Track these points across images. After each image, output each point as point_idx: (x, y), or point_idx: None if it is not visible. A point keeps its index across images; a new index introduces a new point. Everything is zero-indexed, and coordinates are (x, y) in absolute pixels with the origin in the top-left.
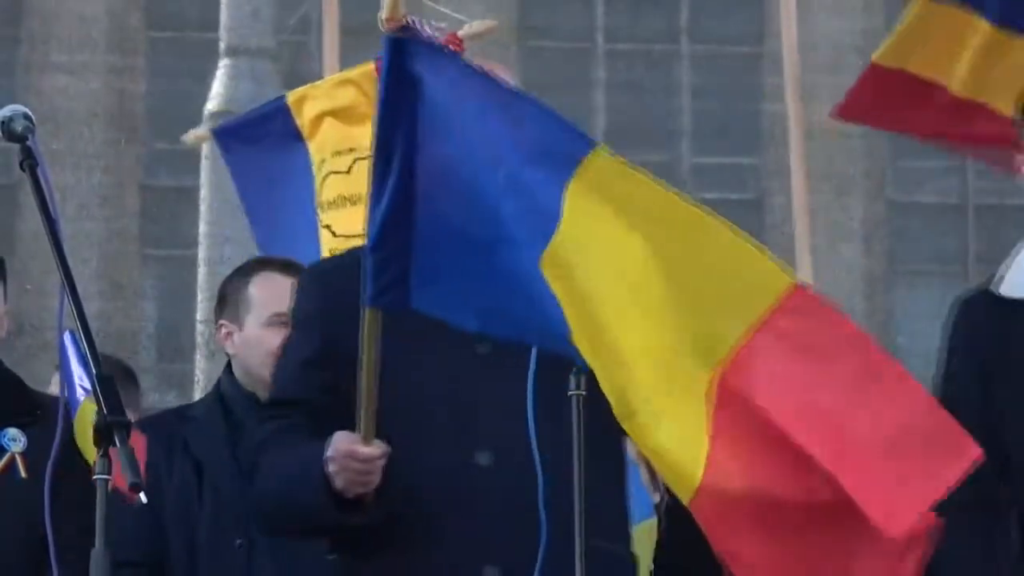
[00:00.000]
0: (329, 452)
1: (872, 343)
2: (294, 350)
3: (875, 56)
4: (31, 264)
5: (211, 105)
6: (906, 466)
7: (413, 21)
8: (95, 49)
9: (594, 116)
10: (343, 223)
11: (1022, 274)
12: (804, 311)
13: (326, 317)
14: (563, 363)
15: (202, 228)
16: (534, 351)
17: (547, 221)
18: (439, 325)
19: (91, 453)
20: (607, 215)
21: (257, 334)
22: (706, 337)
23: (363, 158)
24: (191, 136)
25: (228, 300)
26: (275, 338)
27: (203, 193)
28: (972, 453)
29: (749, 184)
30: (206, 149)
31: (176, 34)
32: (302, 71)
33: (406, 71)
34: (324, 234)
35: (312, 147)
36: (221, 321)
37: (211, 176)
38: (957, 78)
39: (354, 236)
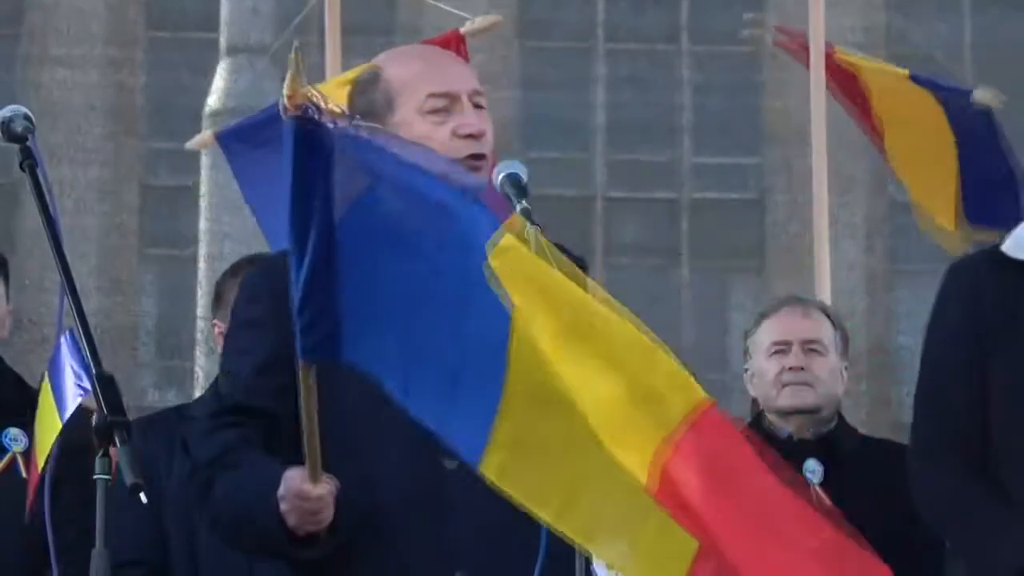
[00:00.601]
0: (280, 491)
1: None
2: (244, 354)
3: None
4: (29, 260)
5: (211, 100)
6: None
7: (314, 97)
8: (94, 43)
9: (594, 113)
10: None
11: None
12: (712, 431)
13: (276, 318)
14: None
15: (202, 224)
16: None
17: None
18: None
19: (46, 441)
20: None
21: None
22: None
23: None
24: (195, 142)
25: (222, 299)
26: None
27: (203, 189)
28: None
29: (751, 183)
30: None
31: (175, 32)
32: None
33: (313, 146)
34: None
35: None
36: (215, 320)
37: (211, 172)
38: (897, 151)
39: None
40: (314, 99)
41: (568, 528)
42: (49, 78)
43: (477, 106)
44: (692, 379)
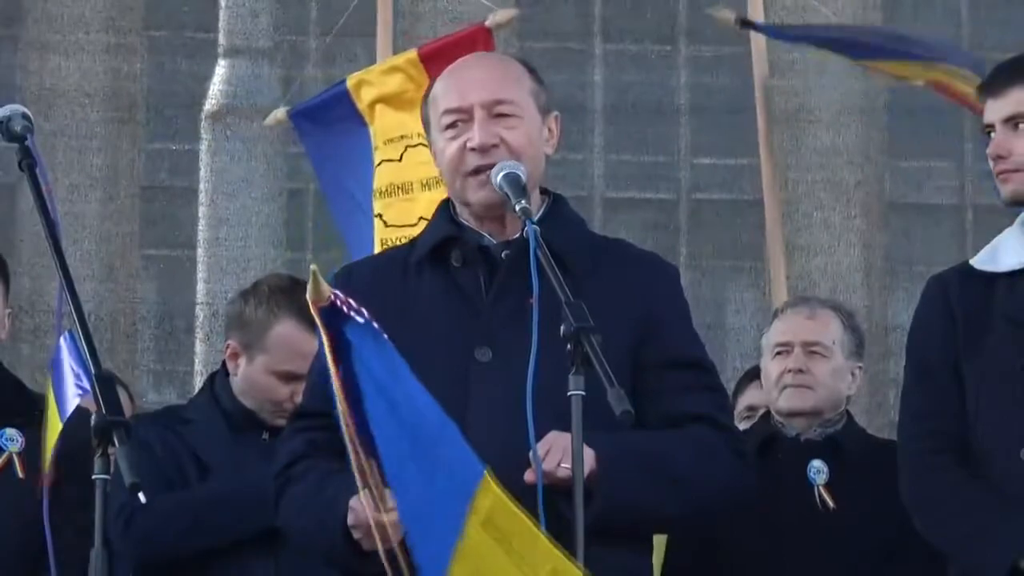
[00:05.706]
0: (351, 520)
1: None
2: (317, 360)
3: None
4: (21, 246)
5: (211, 94)
6: None
7: (336, 297)
8: (88, 28)
9: (592, 96)
10: (394, 213)
11: (992, 251)
12: None
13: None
14: (563, 366)
15: (200, 210)
16: (533, 357)
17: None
18: (438, 332)
19: (50, 448)
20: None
21: (265, 379)
22: None
23: (413, 145)
24: (272, 119)
25: (246, 325)
26: (283, 389)
27: (202, 173)
28: None
29: (752, 184)
30: (202, 131)
31: (175, 31)
32: (302, 68)
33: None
34: (377, 223)
35: (372, 132)
36: (230, 340)
37: (208, 158)
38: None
39: (404, 226)
40: (336, 297)
41: None
42: (46, 64)
43: (499, 115)
44: None
